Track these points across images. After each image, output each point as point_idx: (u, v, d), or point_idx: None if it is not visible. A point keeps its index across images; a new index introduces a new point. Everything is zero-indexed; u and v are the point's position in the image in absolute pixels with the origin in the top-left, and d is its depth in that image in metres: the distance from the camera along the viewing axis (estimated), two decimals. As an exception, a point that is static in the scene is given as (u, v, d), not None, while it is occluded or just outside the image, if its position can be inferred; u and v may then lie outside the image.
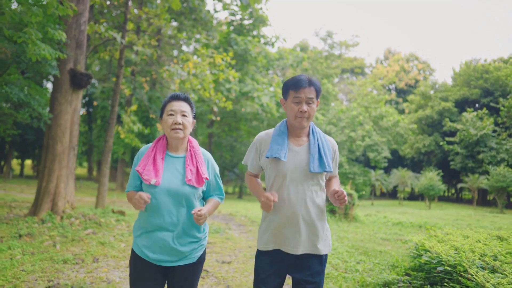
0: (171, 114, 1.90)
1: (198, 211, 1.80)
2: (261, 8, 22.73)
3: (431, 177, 23.50)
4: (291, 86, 1.93)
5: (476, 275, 2.61)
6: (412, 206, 25.34)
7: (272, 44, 24.88)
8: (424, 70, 51.81)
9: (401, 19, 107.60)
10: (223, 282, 3.78)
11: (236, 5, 22.60)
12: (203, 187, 1.95)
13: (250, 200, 22.39)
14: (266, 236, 1.96)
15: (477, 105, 33.12)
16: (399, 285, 3.65)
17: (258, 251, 2.03)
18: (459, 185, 26.68)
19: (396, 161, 38.31)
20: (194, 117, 2.05)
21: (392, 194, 40.39)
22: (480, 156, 27.34)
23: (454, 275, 2.94)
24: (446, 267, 3.11)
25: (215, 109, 11.80)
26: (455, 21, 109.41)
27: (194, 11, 19.67)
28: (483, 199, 32.47)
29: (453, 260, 3.09)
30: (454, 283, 2.89)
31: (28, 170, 45.37)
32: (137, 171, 1.86)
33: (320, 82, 27.19)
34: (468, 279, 2.70)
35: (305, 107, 1.90)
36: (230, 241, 6.20)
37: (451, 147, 29.47)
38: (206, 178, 1.91)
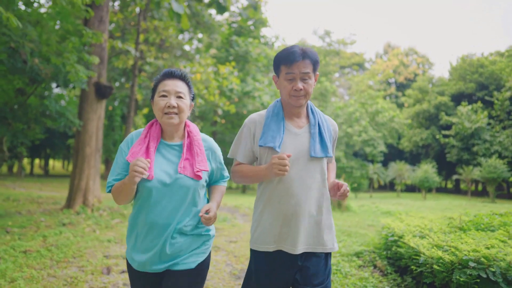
0: (163, 96, 1.60)
1: (206, 212, 1.56)
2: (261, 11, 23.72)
3: (426, 170, 24.58)
4: (283, 60, 1.67)
5: (408, 240, 3.74)
6: (409, 197, 26.40)
7: (272, 44, 25.88)
8: (423, 64, 52.60)
9: (400, 13, 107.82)
10: (231, 254, 4.93)
11: (237, 7, 23.64)
12: (206, 177, 1.67)
13: (254, 194, 23.58)
14: (265, 233, 1.70)
15: (473, 99, 34.03)
16: (365, 253, 4.79)
17: (254, 251, 1.74)
18: (454, 177, 27.75)
19: (396, 154, 39.34)
20: (193, 99, 1.74)
21: (390, 187, 41.47)
22: (475, 149, 28.36)
23: (399, 242, 4.07)
24: (395, 237, 4.24)
25: (220, 112, 12.96)
26: (454, 14, 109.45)
27: (196, 15, 20.71)
28: (484, 190, 33.48)
29: (400, 232, 4.21)
30: (397, 247, 4.02)
31: (37, 169, 46.85)
32: (128, 160, 1.57)
33: (318, 78, 28.14)
34: (404, 243, 3.83)
35: (300, 84, 1.64)
36: (236, 227, 7.36)
37: (447, 140, 30.49)
38: (205, 170, 1.64)
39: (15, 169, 35.45)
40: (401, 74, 49.34)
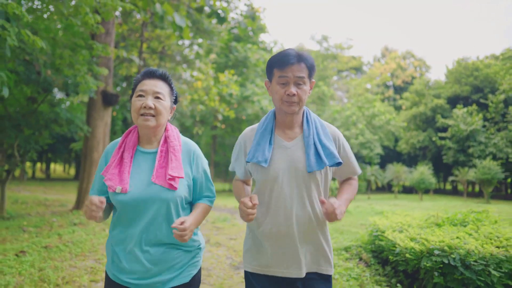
0: (140, 96, 1.49)
1: (180, 224, 1.39)
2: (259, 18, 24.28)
3: (422, 171, 25.06)
4: (276, 63, 1.55)
5: (388, 234, 4.22)
6: (406, 199, 26.86)
7: (271, 50, 26.43)
8: (420, 67, 53.22)
9: (398, 16, 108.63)
10: (231, 249, 5.41)
11: (236, 13, 24.18)
12: (185, 190, 1.52)
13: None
14: (260, 254, 1.58)
15: (468, 101, 34.56)
16: (353, 248, 5.26)
17: (249, 273, 1.62)
18: (450, 178, 28.21)
19: (394, 156, 39.82)
20: (175, 101, 1.63)
21: (388, 188, 41.94)
22: (470, 150, 28.84)
23: (380, 236, 4.54)
24: (378, 232, 4.72)
25: (220, 117, 13.47)
26: (452, 17, 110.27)
27: (196, 22, 21.26)
28: (481, 191, 33.93)
29: (383, 228, 4.69)
30: (379, 241, 4.50)
31: (38, 173, 47.30)
32: (103, 175, 1.48)
33: (316, 83, 28.67)
34: (385, 237, 4.31)
35: (293, 89, 1.51)
36: (235, 227, 7.83)
37: (443, 142, 30.98)
38: (179, 177, 1.47)
39: (17, 173, 35.97)
40: (399, 77, 49.91)
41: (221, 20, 10.50)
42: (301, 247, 1.56)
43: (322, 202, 1.47)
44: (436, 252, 3.32)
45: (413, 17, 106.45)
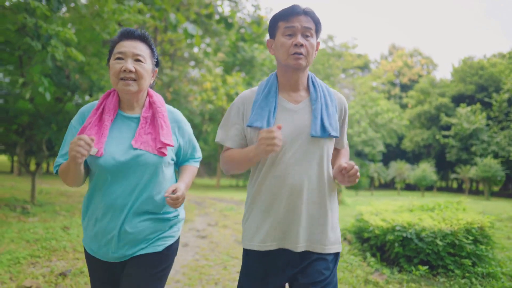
0: (119, 58, 1.39)
1: (173, 192, 1.37)
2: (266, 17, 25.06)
3: (424, 169, 25.71)
4: (281, 16, 1.44)
5: (366, 217, 5.07)
6: (408, 195, 27.56)
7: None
8: (427, 65, 53.45)
9: (406, 14, 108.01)
10: (237, 230, 6.30)
11: (243, 13, 24.99)
12: (172, 155, 1.49)
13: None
14: (261, 229, 1.45)
15: (473, 100, 34.95)
16: (342, 232, 6.13)
17: (248, 251, 1.50)
18: (452, 176, 28.80)
19: (399, 154, 40.40)
20: (157, 64, 1.54)
21: (391, 185, 42.51)
22: (473, 149, 29.36)
23: (360, 219, 5.40)
24: (361, 217, 5.57)
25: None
26: (461, 14, 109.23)
27: (205, 24, 22.17)
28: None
29: (365, 213, 5.54)
30: (359, 223, 5.36)
31: (51, 167, 48.83)
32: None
33: (322, 81, 29.34)
34: (363, 219, 5.16)
35: (301, 39, 1.40)
36: (240, 214, 8.73)
37: (446, 140, 31.51)
38: (170, 145, 1.44)
39: (32, 167, 37.33)
40: (405, 75, 50.22)
41: (229, 26, 11.37)
42: (307, 221, 1.43)
43: (344, 167, 1.36)
44: (398, 228, 4.17)
45: (422, 14, 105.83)
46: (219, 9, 10.98)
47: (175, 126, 1.53)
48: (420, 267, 3.77)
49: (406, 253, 4.05)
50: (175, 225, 1.56)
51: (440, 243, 3.84)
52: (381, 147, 28.12)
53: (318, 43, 1.49)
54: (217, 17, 11.06)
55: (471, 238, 3.93)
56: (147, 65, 1.44)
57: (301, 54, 1.41)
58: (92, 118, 1.42)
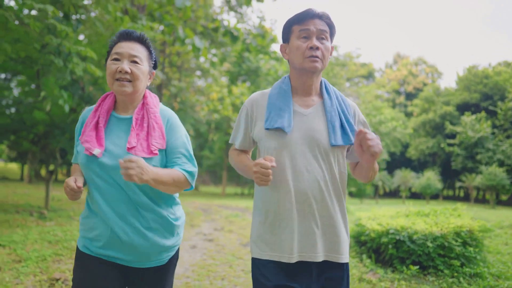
0: (115, 59, 1.40)
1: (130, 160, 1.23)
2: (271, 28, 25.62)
3: (428, 177, 25.79)
4: (295, 20, 1.44)
5: (364, 222, 5.37)
6: (413, 203, 27.59)
7: (281, 59, 27.69)
8: (432, 74, 53.65)
9: (411, 22, 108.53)
10: (242, 234, 6.62)
11: (249, 24, 25.62)
12: (160, 157, 1.43)
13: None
14: (269, 238, 1.40)
15: (478, 108, 35.02)
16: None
17: (256, 261, 1.44)
18: (458, 184, 28.79)
19: (405, 162, 40.41)
20: (155, 66, 1.53)
21: (396, 193, 42.45)
22: (479, 157, 29.37)
23: (359, 223, 5.69)
24: (359, 222, 5.87)
25: (233, 124, 14.76)
26: (467, 23, 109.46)
27: (211, 36, 22.78)
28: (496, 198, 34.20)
29: (363, 219, 5.83)
30: (357, 227, 5.66)
31: (60, 176, 49.60)
32: (80, 140, 1.41)
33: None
34: (361, 224, 5.46)
35: (316, 42, 1.40)
36: (245, 221, 9.04)
37: (451, 148, 31.56)
38: (161, 147, 1.41)
39: (44, 174, 38.04)
40: (410, 84, 50.42)
41: (235, 38, 11.81)
42: (317, 229, 1.38)
43: (360, 132, 1.27)
44: (392, 231, 4.46)
45: (428, 23, 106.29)
46: (225, 23, 11.44)
47: (166, 125, 1.48)
48: (411, 267, 4.06)
49: (399, 255, 4.33)
50: (178, 234, 1.55)
51: (430, 245, 4.13)
52: (385, 156, 28.29)
53: (332, 47, 1.48)
54: (222, 29, 11.51)
55: (460, 240, 4.22)
56: (144, 66, 1.44)
57: (317, 57, 1.40)
58: (92, 120, 1.44)
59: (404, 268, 4.12)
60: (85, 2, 6.87)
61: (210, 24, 11.83)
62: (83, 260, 1.44)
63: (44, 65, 8.20)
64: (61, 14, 5.83)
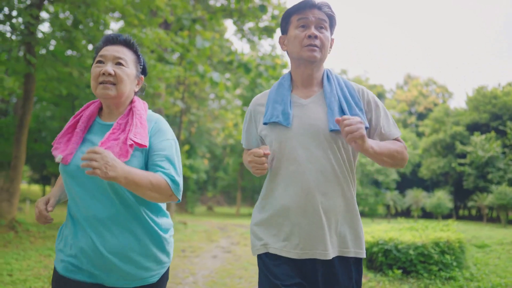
0: (99, 61, 1.32)
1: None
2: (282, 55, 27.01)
3: (439, 196, 26.14)
4: (294, 10, 1.41)
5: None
6: (425, 223, 27.77)
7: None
8: (442, 94, 54.19)
9: (422, 43, 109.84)
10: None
11: (261, 51, 27.09)
12: (139, 159, 1.27)
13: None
14: (282, 231, 1.35)
15: (488, 128, 35.30)
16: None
17: (264, 256, 1.40)
18: (469, 204, 28.90)
19: (417, 182, 40.49)
20: (143, 72, 1.44)
21: (408, 213, 42.38)
22: (490, 176, 29.50)
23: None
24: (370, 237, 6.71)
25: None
26: (478, 42, 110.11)
27: (226, 67, 24.34)
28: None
29: (370, 234, 6.67)
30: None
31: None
32: (52, 149, 1.32)
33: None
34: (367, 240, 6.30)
35: (315, 31, 1.36)
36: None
37: (462, 168, 31.78)
38: (142, 144, 1.24)
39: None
40: (421, 104, 50.97)
41: (248, 70, 13.03)
42: (326, 223, 1.33)
43: (337, 120, 1.23)
44: (380, 242, 5.32)
45: (437, 43, 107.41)
46: (238, 57, 12.68)
47: (152, 128, 1.34)
48: (395, 270, 4.89)
49: (388, 262, 5.17)
50: (169, 250, 1.39)
51: (412, 252, 4.97)
52: (395, 176, 28.78)
53: (332, 40, 1.45)
54: (236, 62, 12.75)
55: (438, 249, 5.05)
56: (129, 69, 1.34)
57: (315, 46, 1.36)
58: (67, 125, 1.36)
59: (390, 272, 4.96)
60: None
61: (226, 58, 13.09)
62: (60, 284, 1.31)
63: (83, 99, 9.56)
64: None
